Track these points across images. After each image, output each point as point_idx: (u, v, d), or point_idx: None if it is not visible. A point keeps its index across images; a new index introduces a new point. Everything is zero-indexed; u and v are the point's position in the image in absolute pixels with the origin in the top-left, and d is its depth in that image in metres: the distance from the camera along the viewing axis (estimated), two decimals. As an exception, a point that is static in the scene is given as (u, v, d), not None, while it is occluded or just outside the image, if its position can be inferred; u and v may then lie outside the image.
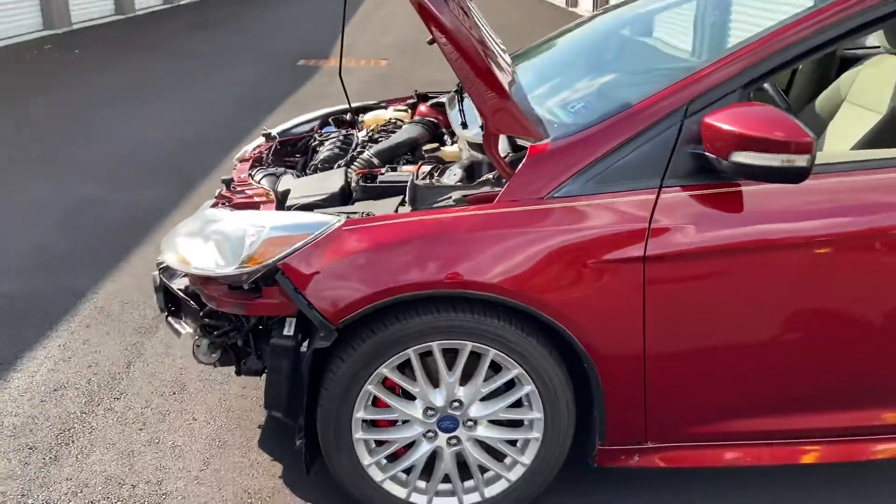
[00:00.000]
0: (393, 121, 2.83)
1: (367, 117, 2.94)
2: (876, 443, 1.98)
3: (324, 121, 3.04)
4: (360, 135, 2.71)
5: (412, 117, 2.87)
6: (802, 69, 3.28)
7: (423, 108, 2.92)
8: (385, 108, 3.11)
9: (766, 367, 1.87)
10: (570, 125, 1.90)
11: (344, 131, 2.82)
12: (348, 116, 3.04)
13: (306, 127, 2.99)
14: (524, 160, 1.83)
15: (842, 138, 2.66)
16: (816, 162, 1.74)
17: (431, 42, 1.76)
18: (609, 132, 1.80)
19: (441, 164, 2.25)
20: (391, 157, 2.41)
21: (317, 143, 2.76)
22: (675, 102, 1.79)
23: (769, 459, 1.98)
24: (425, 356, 1.86)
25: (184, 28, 13.11)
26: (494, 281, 1.75)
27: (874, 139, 2.47)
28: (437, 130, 2.69)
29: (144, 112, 6.72)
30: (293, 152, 2.85)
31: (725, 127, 1.66)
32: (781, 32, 1.79)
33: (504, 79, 1.89)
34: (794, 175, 1.63)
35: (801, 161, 1.61)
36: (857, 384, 1.92)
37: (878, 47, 2.81)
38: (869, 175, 1.81)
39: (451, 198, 1.92)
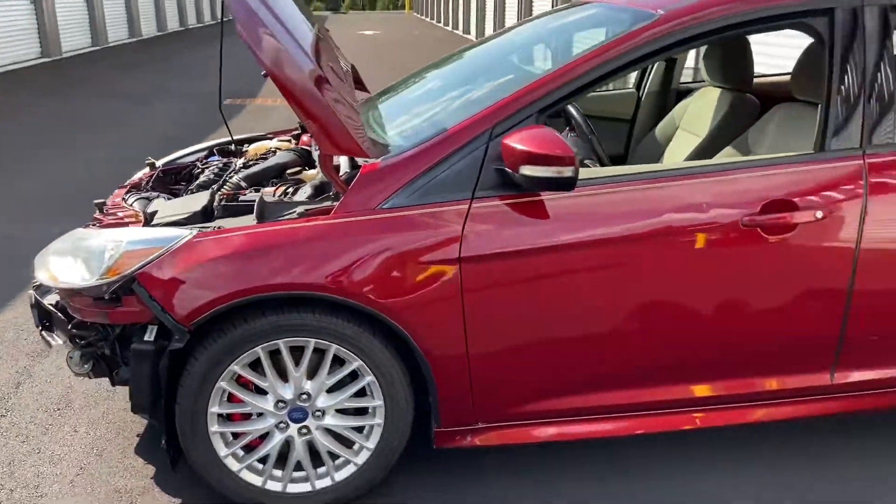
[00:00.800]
0: (272, 150, 3.06)
1: (251, 147, 3.16)
2: (685, 414, 2.27)
3: (210, 151, 3.25)
4: (239, 162, 2.93)
5: (296, 146, 3.10)
6: (644, 101, 3.66)
7: (304, 137, 3.16)
8: (270, 139, 3.34)
9: (574, 352, 2.15)
10: (400, 147, 2.17)
11: (225, 160, 3.04)
12: (233, 147, 3.26)
13: (193, 157, 3.20)
14: (356, 177, 2.09)
15: (676, 159, 3.01)
16: (614, 174, 2.07)
17: (266, 75, 2.01)
18: (428, 152, 2.07)
19: (297, 185, 2.49)
20: (259, 181, 2.63)
21: (199, 171, 2.97)
22: (483, 126, 2.07)
23: (586, 434, 2.25)
24: (276, 353, 2.08)
25: (112, 69, 13.18)
26: (330, 283, 1.98)
27: (694, 158, 2.82)
28: (310, 157, 2.93)
29: (69, 151, 6.82)
30: (178, 180, 3.05)
31: (516, 146, 1.95)
32: (569, 67, 2.09)
33: (337, 106, 2.15)
34: (566, 184, 1.93)
35: (567, 172, 1.91)
36: (657, 363, 2.20)
37: (704, 81, 3.19)
38: (638, 186, 2.10)
39: (294, 212, 2.16)
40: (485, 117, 2.08)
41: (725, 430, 2.54)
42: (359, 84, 3.26)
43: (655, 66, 3.64)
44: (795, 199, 2.09)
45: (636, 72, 3.74)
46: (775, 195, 2.09)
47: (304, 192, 2.35)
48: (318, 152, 2.50)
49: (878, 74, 2.15)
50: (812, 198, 2.10)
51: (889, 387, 2.31)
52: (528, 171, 1.93)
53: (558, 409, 2.23)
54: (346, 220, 2.03)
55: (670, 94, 3.65)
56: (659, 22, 2.13)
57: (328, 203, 2.19)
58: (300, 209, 2.16)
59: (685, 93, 3.54)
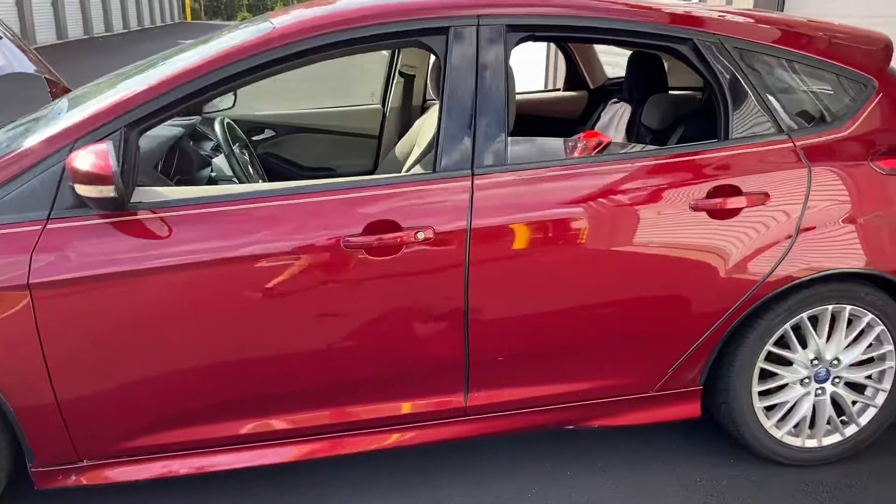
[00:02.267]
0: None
1: None
2: (313, 442, 2.20)
3: None
4: None
5: None
6: (389, 116, 3.63)
7: None
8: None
9: (179, 383, 2.04)
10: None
11: None
12: None
13: None
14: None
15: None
16: (201, 194, 1.98)
17: None
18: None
19: None
20: None
21: None
22: (63, 141, 1.95)
23: (217, 465, 2.15)
24: None
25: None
26: None
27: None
28: None
29: None
30: None
31: (71, 163, 1.83)
32: (162, 82, 2.00)
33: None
34: (112, 204, 1.83)
35: (109, 192, 1.80)
36: (277, 389, 2.12)
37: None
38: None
39: None
40: (67, 132, 1.96)
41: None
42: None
43: (395, 81, 3.61)
44: (400, 220, 2.04)
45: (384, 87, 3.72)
46: (379, 216, 2.04)
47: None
48: None
49: (492, 94, 2.13)
50: (418, 218, 2.05)
51: (522, 408, 2.29)
52: (79, 189, 1.82)
53: (179, 441, 2.11)
54: None
55: (414, 110, 3.62)
56: (266, 38, 2.06)
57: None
58: None
59: (424, 109, 3.53)
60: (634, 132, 3.20)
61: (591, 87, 3.79)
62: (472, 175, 2.10)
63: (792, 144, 2.25)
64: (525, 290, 2.14)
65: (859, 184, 2.26)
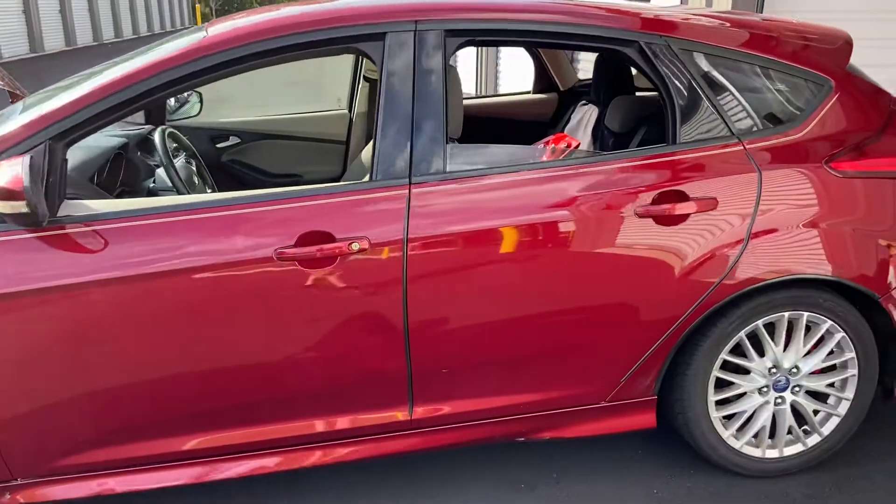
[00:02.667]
0: None
1: None
2: (251, 458, 2.16)
3: None
4: None
5: None
6: (356, 121, 3.60)
7: None
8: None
9: (114, 401, 2.01)
10: None
11: None
12: None
13: None
14: None
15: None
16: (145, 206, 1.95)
17: None
18: None
19: None
20: None
21: None
22: None
23: (155, 482, 2.11)
24: None
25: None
26: None
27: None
28: None
29: None
30: None
31: None
32: (88, 93, 1.96)
33: None
34: (25, 220, 1.80)
35: (22, 208, 1.76)
36: (214, 406, 2.08)
37: None
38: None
39: None
40: None
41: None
42: None
43: (360, 86, 3.57)
44: (334, 231, 2.00)
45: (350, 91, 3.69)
46: (313, 227, 1.99)
47: None
48: None
49: (431, 101, 2.08)
50: (353, 228, 2.01)
51: (470, 421, 2.24)
52: None
53: (115, 458, 2.08)
54: None
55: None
56: (195, 47, 2.02)
57: None
58: None
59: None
60: (598, 135, 3.15)
61: (561, 88, 3.73)
62: (410, 184, 2.05)
63: (742, 148, 2.18)
64: (466, 302, 2.09)
65: (814, 187, 2.20)
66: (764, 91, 2.27)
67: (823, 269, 2.20)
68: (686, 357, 2.28)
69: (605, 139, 3.04)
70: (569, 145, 2.80)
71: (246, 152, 3.52)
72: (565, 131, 3.49)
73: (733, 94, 2.24)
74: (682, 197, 2.13)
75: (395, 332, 2.08)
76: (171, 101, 3.44)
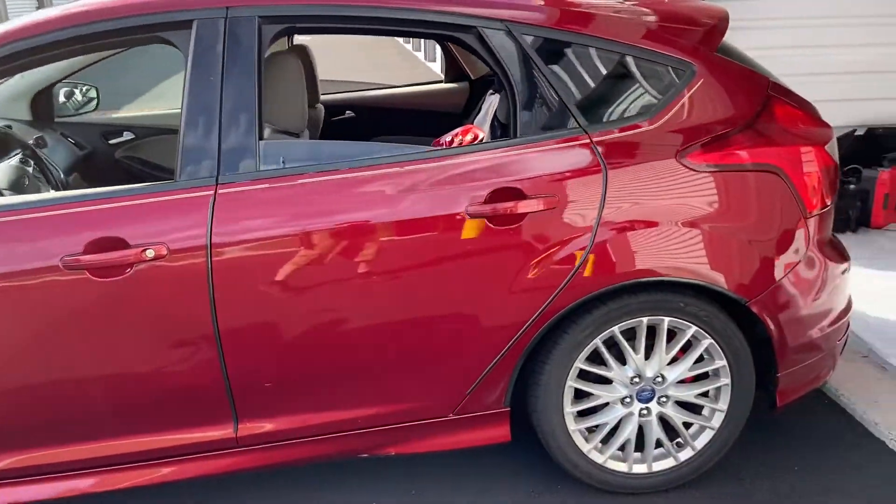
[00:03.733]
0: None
1: None
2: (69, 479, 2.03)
3: None
4: None
5: None
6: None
7: None
8: None
9: None
10: None
11: None
12: None
13: None
14: None
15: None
16: None
17: None
18: None
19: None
20: None
21: None
22: None
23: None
24: None
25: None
26: None
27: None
28: None
29: None
30: None
31: None
32: None
33: None
34: None
35: None
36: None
37: None
38: None
39: None
40: None
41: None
42: None
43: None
44: (128, 236, 1.84)
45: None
46: (102, 233, 1.84)
47: None
48: None
49: (243, 95, 1.92)
50: (151, 233, 1.86)
51: (302, 437, 2.08)
52: None
53: None
54: None
55: None
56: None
57: None
58: None
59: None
60: (492, 126, 2.97)
61: (472, 77, 3.55)
62: (217, 184, 1.90)
63: (588, 141, 2.00)
64: (282, 312, 1.94)
65: (666, 184, 2.01)
66: (617, 78, 2.08)
67: (677, 271, 2.02)
68: (538, 367, 2.12)
69: (494, 130, 2.86)
70: (475, 137, 2.63)
71: (141, 148, 3.38)
72: (475, 122, 3.31)
73: (582, 83, 2.06)
74: (519, 195, 1.96)
75: (205, 344, 1.93)
76: (61, 96, 3.31)
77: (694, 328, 2.10)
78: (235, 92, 1.92)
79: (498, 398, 2.13)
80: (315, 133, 2.50)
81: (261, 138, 1.93)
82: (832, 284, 2.21)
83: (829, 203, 2.16)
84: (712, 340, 2.12)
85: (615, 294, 2.05)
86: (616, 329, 2.08)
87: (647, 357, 2.14)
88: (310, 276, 1.93)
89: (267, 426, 2.06)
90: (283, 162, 1.94)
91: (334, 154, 2.01)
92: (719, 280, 2.04)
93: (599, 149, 1.99)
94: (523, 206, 1.95)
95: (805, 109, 2.19)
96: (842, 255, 2.29)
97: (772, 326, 2.11)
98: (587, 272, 1.99)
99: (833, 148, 2.21)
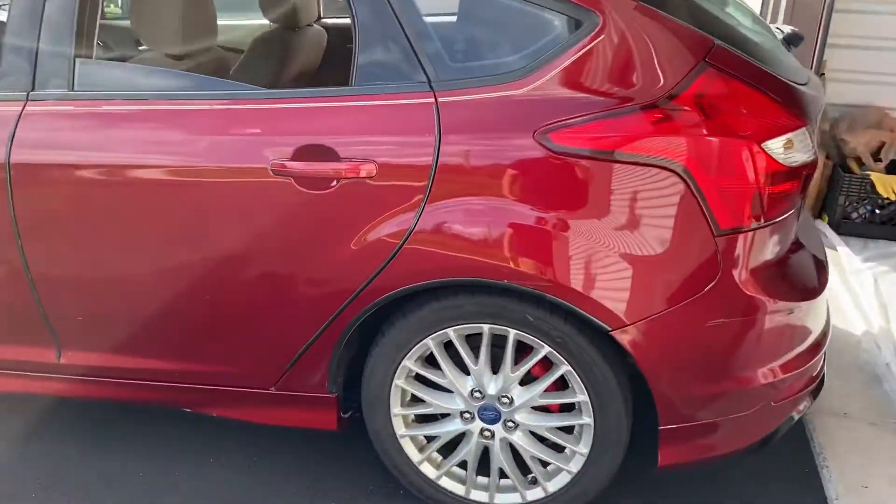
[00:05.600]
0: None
1: None
2: None
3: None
4: None
5: None
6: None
7: None
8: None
9: None
10: None
11: None
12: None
13: None
14: None
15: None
16: None
17: None
18: None
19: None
20: None
21: None
22: None
23: None
24: None
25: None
26: None
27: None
28: None
29: None
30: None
31: None
32: None
33: None
34: None
35: None
36: None
37: None
38: None
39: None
40: None
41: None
42: None
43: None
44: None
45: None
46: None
47: None
48: None
49: (62, 6, 1.76)
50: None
51: (123, 378, 1.98)
52: None
53: None
54: None
55: None
56: None
57: None
58: None
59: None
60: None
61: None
62: (27, 100, 1.78)
63: (432, 100, 1.62)
64: (84, 246, 1.82)
65: (517, 165, 1.58)
66: (492, 25, 1.65)
67: (516, 277, 1.61)
68: (365, 358, 1.83)
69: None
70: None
71: None
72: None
73: (445, 28, 1.66)
74: (331, 155, 1.64)
75: (16, 268, 1.87)
76: None
77: (547, 349, 1.69)
78: (58, 4, 1.77)
79: (320, 381, 1.87)
80: (223, 73, 2.28)
81: (82, 56, 1.78)
82: (761, 328, 1.67)
83: (764, 220, 1.60)
84: (571, 369, 1.69)
85: (447, 291, 1.69)
86: (451, 332, 1.73)
87: (496, 371, 1.77)
88: (106, 212, 1.77)
89: (87, 359, 1.98)
90: (97, 85, 1.78)
91: (152, 84, 1.81)
92: (571, 296, 1.60)
93: (442, 112, 1.61)
94: (333, 170, 1.64)
95: (765, 92, 1.61)
96: (794, 292, 1.72)
97: (646, 367, 1.64)
98: (408, 261, 1.65)
99: (803, 147, 1.63)
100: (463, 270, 1.63)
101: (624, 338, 1.61)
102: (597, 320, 1.61)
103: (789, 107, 1.62)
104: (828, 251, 3.33)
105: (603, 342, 1.65)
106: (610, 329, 1.61)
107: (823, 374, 1.92)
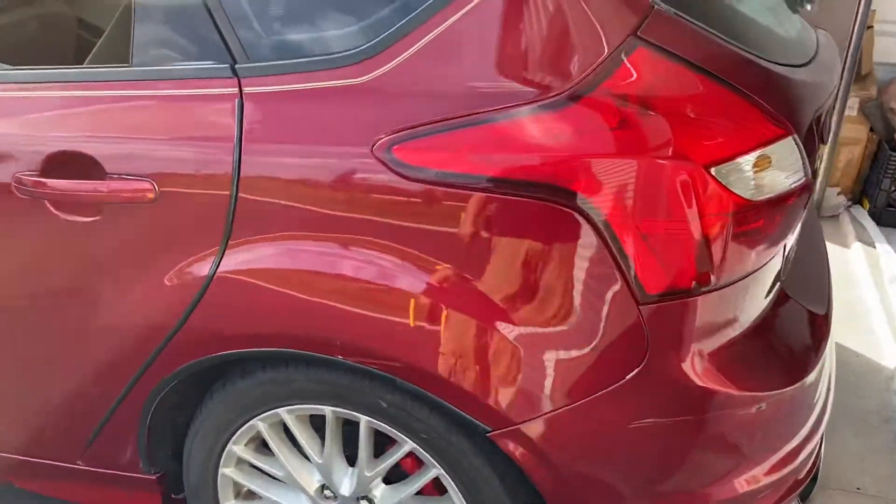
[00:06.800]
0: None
1: None
2: None
3: None
4: None
5: None
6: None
7: None
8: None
9: None
10: None
11: None
12: None
13: None
14: None
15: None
16: None
17: None
18: None
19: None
20: None
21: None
22: None
23: None
24: None
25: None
26: None
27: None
28: None
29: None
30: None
31: None
32: None
33: None
34: None
35: None
36: None
37: None
38: None
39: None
40: None
41: None
42: None
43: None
44: None
45: None
46: None
47: None
48: None
49: None
50: None
51: None
52: None
53: None
54: None
55: None
56: None
57: None
58: None
59: None
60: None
61: None
62: None
63: (236, 90, 1.10)
64: None
65: (349, 188, 1.07)
66: None
67: (347, 349, 1.11)
68: (184, 439, 1.37)
69: None
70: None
71: None
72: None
73: None
74: (95, 169, 1.15)
75: None
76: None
77: (412, 444, 1.19)
78: None
79: (132, 459, 1.42)
80: None
81: None
82: (716, 430, 1.14)
83: (719, 280, 1.06)
84: (441, 470, 1.20)
85: (276, 360, 1.20)
86: (284, 412, 1.25)
87: (353, 464, 1.29)
88: None
89: None
90: None
91: None
92: (434, 383, 1.10)
93: (247, 108, 1.09)
94: (95, 190, 1.15)
95: (729, 82, 1.05)
96: (771, 376, 1.18)
97: (543, 485, 1.14)
98: (202, 320, 1.16)
99: (786, 166, 1.08)
100: (280, 339, 1.14)
101: (508, 444, 1.11)
102: (470, 417, 1.11)
103: (767, 105, 1.06)
104: (863, 249, 2.74)
105: (485, 443, 1.15)
106: (489, 430, 1.11)
107: (818, 468, 1.39)
